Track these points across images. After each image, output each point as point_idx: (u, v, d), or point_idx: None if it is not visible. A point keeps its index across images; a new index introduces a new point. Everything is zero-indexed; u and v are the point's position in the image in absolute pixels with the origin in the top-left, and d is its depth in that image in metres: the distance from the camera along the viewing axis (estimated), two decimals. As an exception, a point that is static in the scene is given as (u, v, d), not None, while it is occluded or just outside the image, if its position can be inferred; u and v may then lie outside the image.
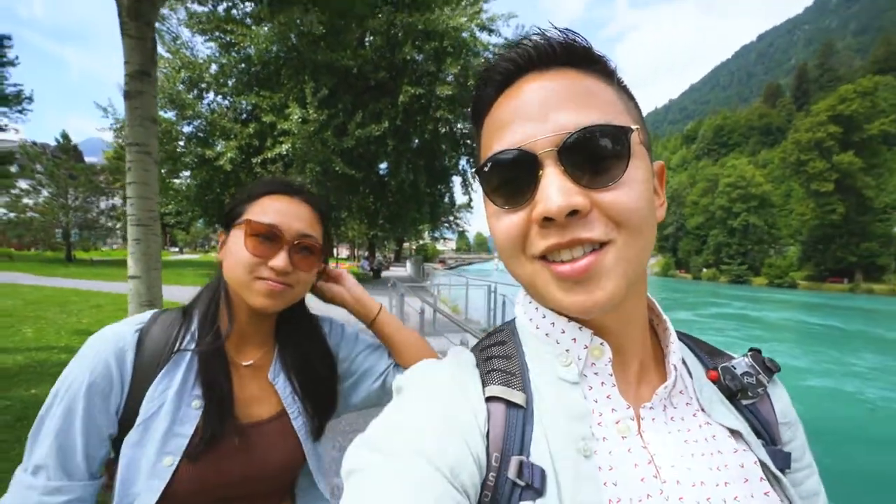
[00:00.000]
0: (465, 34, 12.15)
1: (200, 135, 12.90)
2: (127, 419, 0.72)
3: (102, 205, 22.57)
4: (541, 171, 0.41)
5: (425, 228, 26.18)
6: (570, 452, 0.40)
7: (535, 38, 0.45)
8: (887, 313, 27.43)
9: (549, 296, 0.43)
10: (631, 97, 0.47)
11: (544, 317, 0.48)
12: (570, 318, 0.46)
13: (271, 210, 0.80)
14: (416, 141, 13.77)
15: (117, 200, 23.63)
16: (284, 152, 10.86)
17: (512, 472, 0.39)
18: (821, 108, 43.28)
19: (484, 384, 0.45)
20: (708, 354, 0.54)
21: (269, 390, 0.86)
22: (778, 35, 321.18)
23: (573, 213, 0.39)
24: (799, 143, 43.79)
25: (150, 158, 2.46)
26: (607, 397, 0.45)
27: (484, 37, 12.87)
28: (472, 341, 3.63)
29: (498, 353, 0.48)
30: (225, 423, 0.75)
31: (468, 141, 14.51)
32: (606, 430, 0.43)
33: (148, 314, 0.81)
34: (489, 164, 0.43)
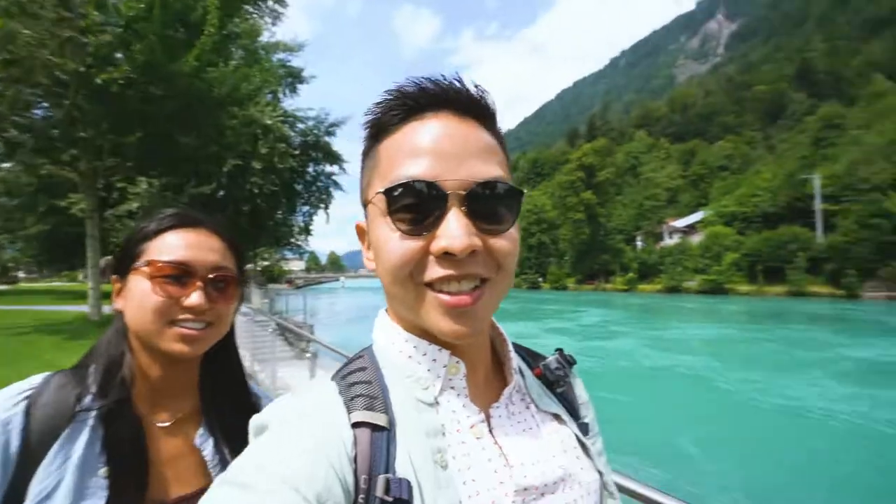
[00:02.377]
0: (268, 122, 18.58)
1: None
2: None
3: None
4: (446, 209, 0.45)
5: (265, 251, 31.09)
6: (430, 465, 0.44)
7: (453, 81, 0.49)
8: (614, 303, 40.44)
9: (429, 321, 0.47)
10: (509, 157, 0.54)
11: (406, 340, 0.52)
12: (431, 342, 0.51)
13: (176, 246, 0.73)
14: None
15: None
16: (134, 209, 15.71)
17: (380, 491, 0.41)
18: (572, 158, 60.73)
19: (349, 410, 0.46)
20: (530, 356, 0.64)
21: (194, 458, 0.75)
22: (587, 84, 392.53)
23: (472, 253, 0.45)
24: (560, 183, 60.37)
25: None
26: (462, 406, 0.50)
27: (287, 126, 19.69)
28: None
29: (359, 378, 0.50)
30: (139, 500, 0.65)
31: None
32: (464, 434, 0.49)
33: (37, 378, 0.70)
34: (400, 188, 0.46)
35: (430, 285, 0.46)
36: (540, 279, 69.46)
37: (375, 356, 0.54)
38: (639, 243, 59.08)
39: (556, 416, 0.57)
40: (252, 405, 0.83)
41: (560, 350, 0.64)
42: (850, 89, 62.17)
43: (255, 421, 0.47)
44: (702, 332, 21.98)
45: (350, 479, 0.42)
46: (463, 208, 0.45)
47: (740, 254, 43.70)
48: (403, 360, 0.52)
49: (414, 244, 0.46)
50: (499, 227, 0.47)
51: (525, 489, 0.48)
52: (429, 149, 0.46)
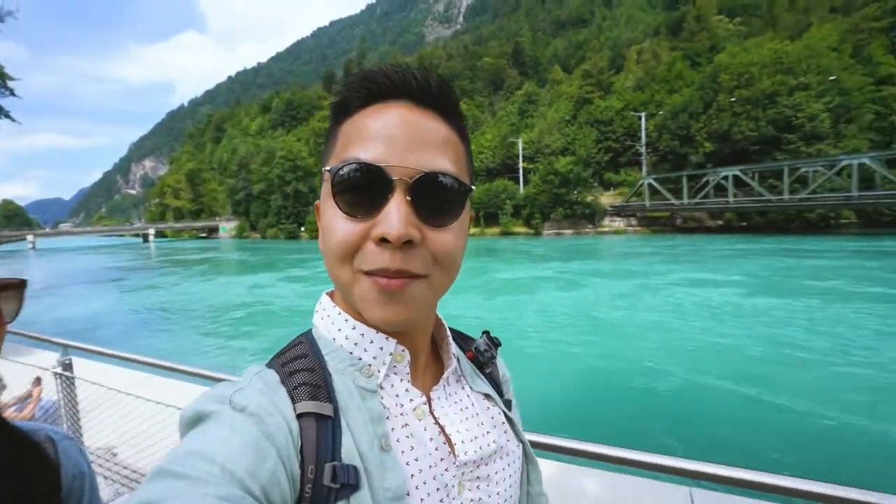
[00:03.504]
0: None
1: None
2: None
3: None
4: (390, 195, 0.45)
5: None
6: (375, 450, 0.46)
7: (416, 72, 0.49)
8: None
9: (363, 305, 0.47)
10: (470, 155, 0.54)
11: (354, 328, 0.52)
12: (379, 330, 0.51)
13: None
14: None
15: None
16: None
17: (327, 479, 0.42)
18: (326, 104, 59.47)
19: (293, 400, 0.46)
20: (462, 339, 0.67)
21: None
22: (343, 26, 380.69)
23: (408, 242, 0.45)
24: (314, 129, 58.55)
25: None
26: (405, 390, 0.52)
27: None
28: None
29: (300, 366, 0.50)
30: None
31: None
32: (407, 417, 0.51)
33: None
34: (346, 167, 0.46)
35: (366, 272, 0.47)
36: (300, 229, 67.49)
37: (317, 342, 0.54)
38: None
39: (487, 396, 0.61)
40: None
41: (487, 332, 0.67)
42: (544, 74, 79.50)
43: (190, 410, 0.44)
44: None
45: (296, 470, 0.42)
46: (407, 197, 0.45)
47: (470, 202, 52.45)
48: (349, 347, 0.52)
49: (355, 227, 0.46)
50: (441, 220, 0.47)
51: (465, 464, 0.52)
52: (381, 134, 0.46)
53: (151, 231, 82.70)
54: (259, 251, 45.69)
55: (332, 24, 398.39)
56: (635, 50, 63.86)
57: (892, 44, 42.04)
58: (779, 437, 5.52)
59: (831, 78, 36.20)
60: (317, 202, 0.55)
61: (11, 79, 17.48)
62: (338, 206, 0.47)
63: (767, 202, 33.65)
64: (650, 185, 41.42)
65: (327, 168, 0.48)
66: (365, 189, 0.45)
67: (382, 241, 0.45)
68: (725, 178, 35.51)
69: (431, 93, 0.49)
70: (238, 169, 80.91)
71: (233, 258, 40.61)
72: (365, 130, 0.47)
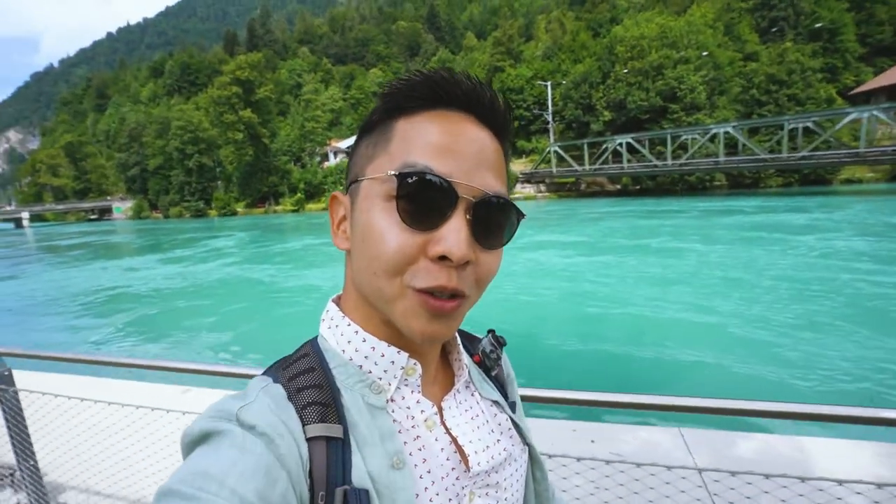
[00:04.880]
0: None
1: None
2: None
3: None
4: (451, 212, 0.44)
5: None
6: (385, 469, 0.45)
7: (488, 89, 0.49)
8: (289, 225, 40.26)
9: (406, 320, 0.46)
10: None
11: (364, 340, 0.51)
12: (391, 343, 0.51)
13: None
14: None
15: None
16: None
17: (338, 503, 0.42)
18: (226, 70, 54.92)
19: (303, 422, 0.45)
20: (467, 340, 0.65)
21: None
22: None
23: (465, 263, 0.45)
24: (213, 98, 54.08)
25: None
26: (417, 402, 0.51)
27: None
28: None
29: (308, 382, 0.48)
30: None
31: None
32: (419, 429, 0.50)
33: None
34: (417, 175, 0.44)
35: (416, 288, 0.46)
36: (205, 206, 62.87)
37: (324, 355, 0.52)
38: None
39: (496, 403, 0.60)
40: None
41: (492, 331, 0.66)
42: (461, 40, 79.26)
43: (196, 428, 0.42)
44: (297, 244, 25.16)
45: (306, 494, 0.42)
46: (468, 216, 0.45)
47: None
48: (359, 360, 0.51)
49: (412, 239, 0.44)
50: (493, 242, 0.48)
51: (477, 474, 0.51)
52: (450, 146, 0.45)
53: (25, 215, 72.19)
54: (151, 233, 42.37)
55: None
56: (544, 19, 65.63)
57: (756, 24, 47.38)
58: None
59: (704, 53, 40.20)
60: (335, 193, 0.54)
61: None
62: (399, 214, 0.45)
63: (654, 167, 37.32)
64: (556, 152, 43.86)
65: (392, 172, 0.45)
66: (429, 201, 0.44)
67: (441, 258, 0.44)
68: (621, 144, 38.59)
69: (497, 113, 0.49)
70: (128, 141, 72.54)
71: (115, 240, 37.71)
72: (432, 138, 0.46)
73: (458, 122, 0.47)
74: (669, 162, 35.84)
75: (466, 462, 0.51)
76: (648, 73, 41.11)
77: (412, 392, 0.52)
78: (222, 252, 23.33)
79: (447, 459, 0.51)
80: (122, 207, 74.48)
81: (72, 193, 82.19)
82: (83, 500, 2.72)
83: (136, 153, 71.58)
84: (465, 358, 0.60)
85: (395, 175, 0.45)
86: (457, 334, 0.60)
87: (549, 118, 50.12)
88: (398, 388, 0.51)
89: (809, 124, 30.13)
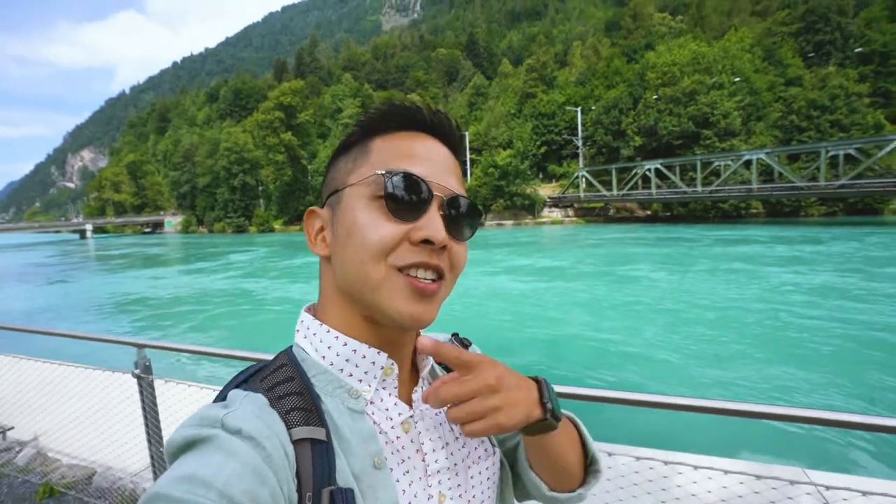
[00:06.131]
0: None
1: None
2: None
3: None
4: (429, 207, 0.51)
5: None
6: (368, 469, 0.47)
7: (449, 119, 0.57)
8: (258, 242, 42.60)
9: (392, 302, 0.50)
10: None
11: (345, 344, 0.53)
12: (371, 345, 0.53)
13: None
14: None
15: None
16: None
17: None
18: (271, 96, 58.63)
19: (287, 426, 0.46)
20: None
21: None
22: (297, 12, 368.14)
23: (443, 247, 0.51)
24: (258, 121, 57.61)
25: None
26: (395, 404, 0.54)
27: None
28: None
29: (288, 390, 0.49)
30: None
31: None
32: (397, 430, 0.53)
33: None
34: (399, 175, 0.50)
35: (401, 269, 0.50)
36: (246, 222, 66.17)
37: (301, 365, 0.53)
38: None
39: None
40: None
41: (455, 334, 0.70)
42: (498, 67, 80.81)
43: (179, 436, 0.42)
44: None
45: (294, 495, 0.42)
46: (441, 211, 0.52)
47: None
48: (340, 364, 0.53)
49: (396, 228, 0.50)
50: (462, 234, 0.54)
51: (437, 471, 0.54)
52: (423, 155, 0.53)
53: (89, 227, 78.46)
54: (187, 246, 45.70)
55: (285, 9, 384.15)
56: (579, 46, 66.14)
57: (800, 48, 45.89)
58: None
59: (735, 80, 39.27)
60: (312, 208, 0.58)
61: None
62: (387, 207, 0.50)
63: (684, 193, 36.38)
64: (584, 177, 43.60)
65: (379, 172, 0.51)
66: (411, 197, 0.50)
67: (424, 242, 0.50)
68: (650, 170, 37.97)
69: (453, 134, 0.58)
70: (182, 161, 77.90)
71: (153, 252, 40.90)
72: (408, 150, 0.53)
73: (426, 139, 0.55)
74: (700, 188, 34.90)
75: (425, 460, 0.53)
76: (680, 98, 40.55)
77: (389, 395, 0.54)
78: (232, 265, 25.50)
79: (422, 460, 0.53)
80: (172, 222, 79.59)
81: (130, 208, 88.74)
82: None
83: (187, 172, 76.55)
84: (430, 359, 0.62)
85: (382, 174, 0.51)
86: (421, 334, 0.62)
87: (580, 143, 50.02)
88: (377, 390, 0.53)
89: (852, 151, 28.71)
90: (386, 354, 0.53)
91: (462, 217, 0.54)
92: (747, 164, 33.10)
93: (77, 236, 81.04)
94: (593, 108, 48.75)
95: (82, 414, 3.14)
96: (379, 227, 0.50)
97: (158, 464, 2.51)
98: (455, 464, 0.56)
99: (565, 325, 10.41)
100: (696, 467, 1.74)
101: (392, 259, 0.50)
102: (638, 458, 1.81)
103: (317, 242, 0.57)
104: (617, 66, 51.62)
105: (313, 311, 0.58)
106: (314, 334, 0.55)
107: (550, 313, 11.55)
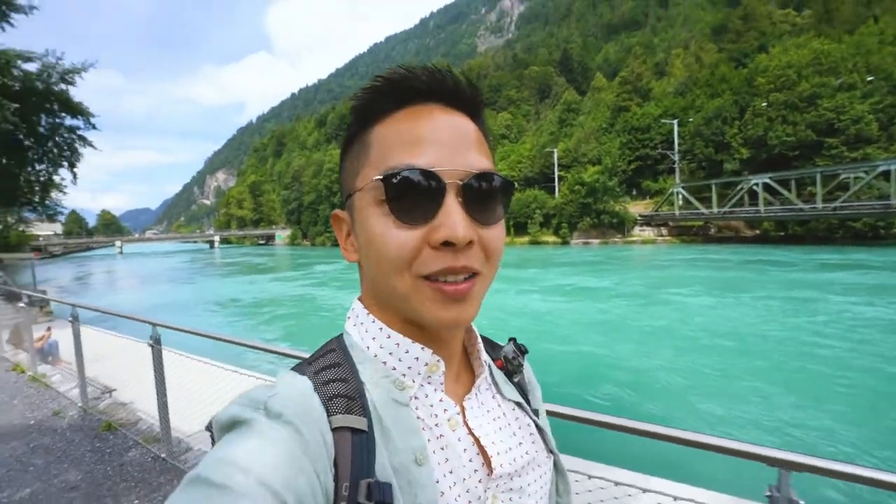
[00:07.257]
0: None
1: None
2: None
3: None
4: (443, 199, 0.45)
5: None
6: (409, 465, 0.45)
7: (446, 73, 0.49)
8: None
9: (424, 310, 0.47)
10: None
11: (389, 337, 0.51)
12: (415, 340, 0.51)
13: None
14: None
15: None
16: None
17: (362, 496, 0.41)
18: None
19: (328, 412, 0.45)
20: (490, 346, 0.65)
21: None
22: (398, 41, 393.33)
23: (469, 242, 0.45)
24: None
25: None
26: (440, 400, 0.51)
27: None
28: None
29: (334, 375, 0.49)
30: None
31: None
32: (442, 428, 0.50)
33: None
34: (401, 175, 0.45)
35: (427, 277, 0.46)
36: (343, 236, 71.55)
37: (349, 351, 0.52)
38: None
39: (518, 405, 0.60)
40: None
41: (513, 339, 0.66)
42: (592, 81, 78.61)
43: (225, 415, 0.43)
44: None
45: (330, 484, 0.42)
46: (459, 199, 0.46)
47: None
48: (383, 357, 0.51)
49: (411, 234, 0.45)
50: (490, 216, 0.48)
51: (500, 476, 0.51)
52: (426, 138, 0.46)
53: (216, 238, 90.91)
54: (285, 257, 52.05)
55: (388, 39, 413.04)
56: (679, 54, 62.01)
57: (963, 36, 38.30)
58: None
59: (869, 79, 33.80)
60: (336, 212, 0.54)
61: (93, 115, 21.23)
62: (393, 214, 0.46)
63: (800, 210, 31.95)
64: (680, 193, 40.40)
65: (377, 177, 0.46)
66: (418, 195, 0.45)
67: (444, 244, 0.45)
68: (756, 185, 34.08)
69: (463, 93, 0.50)
70: (291, 181, 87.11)
71: (257, 262, 47.41)
72: (407, 135, 0.47)
73: (428, 112, 0.48)
74: (819, 205, 30.44)
75: (489, 463, 0.50)
76: (796, 104, 36.02)
77: (435, 390, 0.52)
78: (311, 275, 29.40)
79: (470, 461, 0.50)
80: (281, 235, 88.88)
81: (250, 222, 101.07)
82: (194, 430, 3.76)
83: (296, 190, 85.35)
84: (486, 357, 0.60)
85: (380, 180, 0.46)
86: (478, 334, 0.60)
87: (676, 157, 46.54)
88: (421, 385, 0.51)
89: None
90: (431, 351, 0.51)
91: (487, 196, 0.48)
92: (886, 175, 28.20)
93: (208, 246, 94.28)
94: (691, 119, 45.17)
95: (144, 380, 4.03)
96: (394, 237, 0.46)
97: (162, 414, 3.52)
98: (516, 469, 0.52)
99: (565, 342, 10.52)
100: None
101: (416, 268, 0.46)
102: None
103: (347, 248, 0.53)
104: (723, 73, 47.37)
105: (363, 300, 0.56)
106: (362, 323, 0.54)
107: (561, 331, 11.71)
